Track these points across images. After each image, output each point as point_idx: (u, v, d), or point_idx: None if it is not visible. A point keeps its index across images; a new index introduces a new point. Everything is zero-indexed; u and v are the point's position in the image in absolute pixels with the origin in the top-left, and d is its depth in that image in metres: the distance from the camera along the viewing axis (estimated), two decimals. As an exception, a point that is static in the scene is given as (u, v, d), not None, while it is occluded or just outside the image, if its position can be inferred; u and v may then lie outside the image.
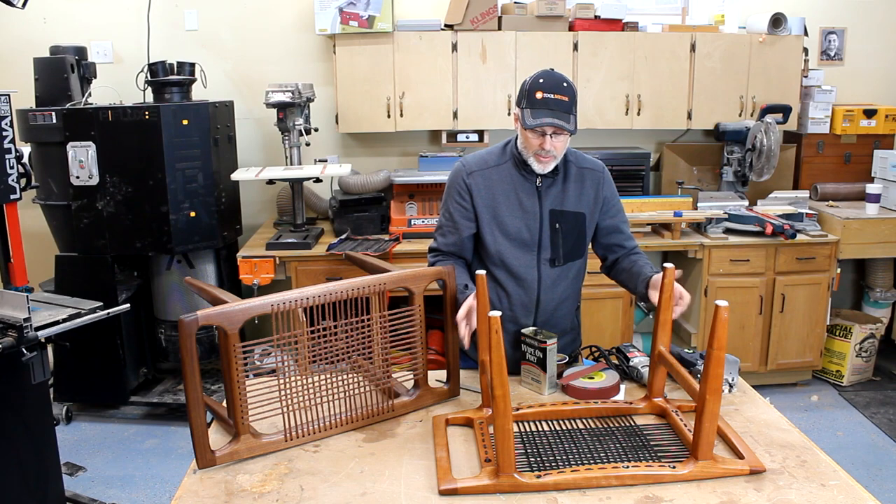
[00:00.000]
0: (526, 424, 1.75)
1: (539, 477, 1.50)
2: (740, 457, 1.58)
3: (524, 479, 1.49)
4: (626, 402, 1.83)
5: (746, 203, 4.01)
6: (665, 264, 1.75)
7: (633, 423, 1.76)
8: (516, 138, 2.08)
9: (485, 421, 1.75)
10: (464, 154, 3.99)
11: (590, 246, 2.21)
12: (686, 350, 2.03)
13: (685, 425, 1.69)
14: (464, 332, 1.85)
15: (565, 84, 1.95)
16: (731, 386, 1.95)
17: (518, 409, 1.78)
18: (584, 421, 1.77)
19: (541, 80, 1.95)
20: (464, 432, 1.76)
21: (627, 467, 1.52)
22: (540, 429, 1.73)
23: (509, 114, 3.92)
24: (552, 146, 1.95)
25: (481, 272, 1.74)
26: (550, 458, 1.60)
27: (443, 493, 1.49)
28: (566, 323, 2.21)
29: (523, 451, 1.62)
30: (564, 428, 1.73)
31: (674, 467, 1.53)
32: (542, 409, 1.80)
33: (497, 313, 1.44)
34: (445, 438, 1.69)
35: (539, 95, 1.92)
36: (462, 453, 1.66)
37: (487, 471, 1.52)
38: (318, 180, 3.69)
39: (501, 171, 2.09)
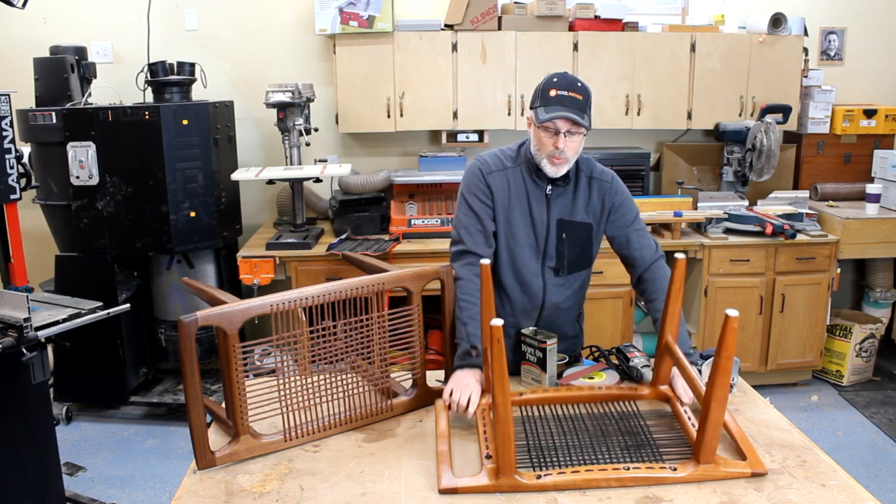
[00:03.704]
0: (529, 417, 1.75)
1: (539, 478, 1.50)
2: (743, 457, 1.58)
3: (524, 480, 1.49)
4: (630, 388, 1.84)
5: (746, 203, 4.01)
6: (676, 254, 1.73)
7: (637, 417, 1.76)
8: (530, 141, 2.05)
9: (486, 408, 1.74)
10: (464, 154, 4.01)
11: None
12: None
13: (689, 418, 1.69)
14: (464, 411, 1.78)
15: (579, 84, 1.94)
16: (731, 386, 1.95)
17: (521, 395, 1.78)
18: (588, 408, 1.77)
19: (555, 80, 1.94)
20: (464, 424, 1.77)
21: (628, 469, 1.52)
22: (544, 424, 1.73)
23: (509, 114, 3.92)
24: (565, 146, 1.93)
25: (485, 261, 1.71)
26: (552, 452, 1.60)
27: (443, 492, 1.50)
28: (567, 329, 2.20)
29: (524, 444, 1.62)
30: (567, 424, 1.73)
31: (675, 469, 1.53)
32: (546, 394, 1.81)
33: (499, 321, 1.40)
34: (447, 426, 1.69)
35: (553, 93, 1.91)
36: (462, 447, 1.67)
37: (488, 469, 1.52)
38: (318, 180, 3.68)
39: (515, 174, 2.06)
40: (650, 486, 1.51)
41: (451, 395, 1.79)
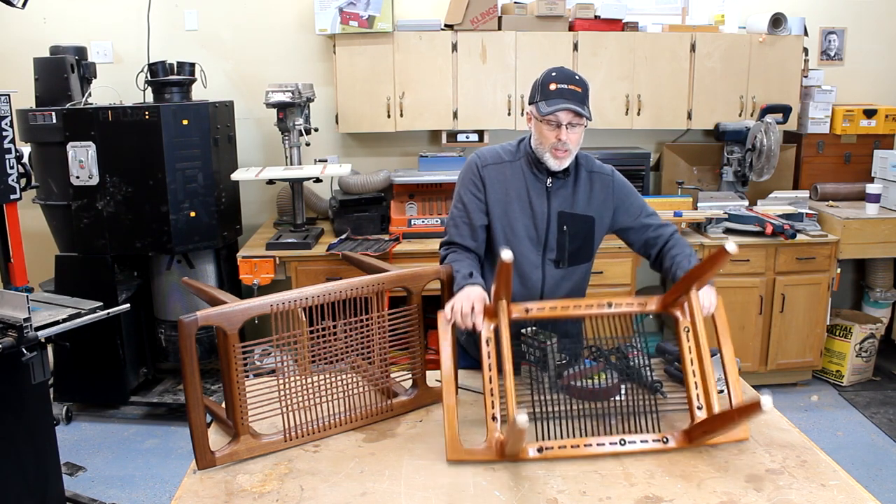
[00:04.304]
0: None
1: (541, 450, 1.59)
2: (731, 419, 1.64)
3: (528, 455, 1.58)
4: (639, 303, 1.86)
5: (746, 203, 4.00)
6: (727, 244, 1.72)
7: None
8: (530, 136, 2.08)
9: (490, 338, 1.74)
10: (464, 154, 4.01)
11: (627, 248, 2.21)
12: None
13: (696, 397, 1.71)
14: (471, 324, 1.76)
15: (577, 77, 1.98)
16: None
17: (528, 311, 1.81)
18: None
19: (553, 74, 1.98)
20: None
21: (624, 444, 1.63)
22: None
23: (509, 114, 3.92)
24: (568, 138, 1.95)
25: (507, 255, 1.57)
26: (556, 425, 1.67)
27: (450, 461, 1.58)
28: (568, 325, 2.21)
29: (531, 419, 1.64)
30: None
31: (666, 441, 1.64)
32: (553, 311, 1.83)
33: (524, 420, 1.35)
34: (453, 361, 1.72)
35: (553, 87, 1.94)
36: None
37: (494, 440, 1.58)
38: (318, 180, 3.69)
39: (514, 168, 2.09)
40: (650, 486, 1.51)
41: (452, 310, 1.76)
